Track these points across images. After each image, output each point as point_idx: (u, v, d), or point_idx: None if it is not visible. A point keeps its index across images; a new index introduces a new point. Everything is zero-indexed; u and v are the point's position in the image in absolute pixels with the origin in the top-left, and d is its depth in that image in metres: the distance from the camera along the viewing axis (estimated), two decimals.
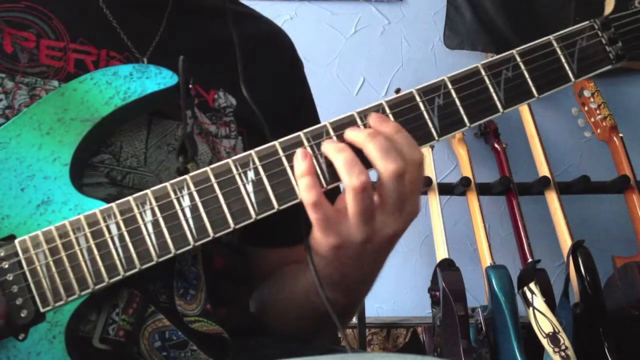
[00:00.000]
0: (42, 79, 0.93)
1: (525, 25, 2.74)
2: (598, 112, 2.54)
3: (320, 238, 0.85)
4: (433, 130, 0.88)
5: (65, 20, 0.98)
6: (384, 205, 0.84)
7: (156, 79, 0.91)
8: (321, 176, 0.85)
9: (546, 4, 2.78)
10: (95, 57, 0.97)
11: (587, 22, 0.94)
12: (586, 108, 2.59)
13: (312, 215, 0.83)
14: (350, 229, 0.84)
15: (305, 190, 0.82)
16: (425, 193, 2.44)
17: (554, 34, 0.93)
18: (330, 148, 0.84)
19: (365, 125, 0.86)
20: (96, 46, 0.97)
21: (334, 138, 0.85)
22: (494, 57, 0.91)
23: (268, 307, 1.10)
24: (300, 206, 0.85)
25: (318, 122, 0.88)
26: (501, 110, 0.90)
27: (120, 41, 1.00)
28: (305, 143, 0.85)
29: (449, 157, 2.77)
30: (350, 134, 0.85)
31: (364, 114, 0.87)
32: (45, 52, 0.95)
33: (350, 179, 0.81)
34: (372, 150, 0.82)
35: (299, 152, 0.84)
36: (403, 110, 0.88)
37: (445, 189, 2.51)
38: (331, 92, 2.74)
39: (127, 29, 1.00)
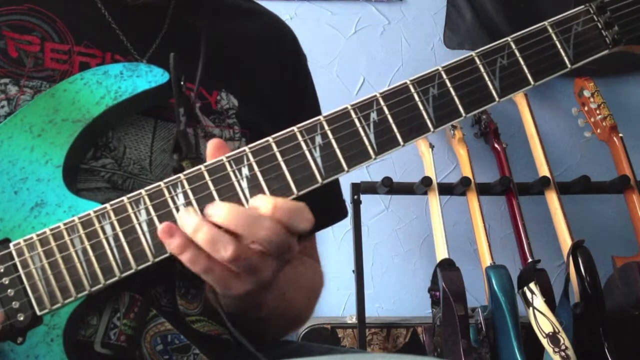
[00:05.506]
0: (48, 82, 0.92)
1: (526, 25, 2.72)
2: (598, 112, 2.53)
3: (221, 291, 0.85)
4: (428, 121, 0.86)
5: (69, 23, 0.97)
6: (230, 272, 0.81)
7: (147, 77, 0.90)
8: (316, 171, 0.84)
9: (546, 4, 2.78)
10: (100, 60, 0.96)
11: (582, 7, 0.92)
12: (586, 108, 2.59)
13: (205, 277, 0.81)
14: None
15: (190, 264, 0.79)
16: (425, 193, 2.43)
17: (549, 20, 0.91)
18: (188, 226, 0.79)
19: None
20: (101, 49, 0.97)
21: (182, 209, 0.81)
22: (489, 45, 0.90)
23: None
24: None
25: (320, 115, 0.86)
26: (497, 99, 0.88)
27: (123, 44, 0.99)
28: (299, 137, 0.84)
29: (449, 157, 2.76)
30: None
31: (357, 107, 0.86)
32: (50, 55, 0.95)
33: (219, 256, 0.78)
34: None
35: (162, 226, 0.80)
36: (397, 102, 0.87)
37: (445, 189, 2.50)
38: (331, 92, 2.72)
39: (127, 32, 1.00)
